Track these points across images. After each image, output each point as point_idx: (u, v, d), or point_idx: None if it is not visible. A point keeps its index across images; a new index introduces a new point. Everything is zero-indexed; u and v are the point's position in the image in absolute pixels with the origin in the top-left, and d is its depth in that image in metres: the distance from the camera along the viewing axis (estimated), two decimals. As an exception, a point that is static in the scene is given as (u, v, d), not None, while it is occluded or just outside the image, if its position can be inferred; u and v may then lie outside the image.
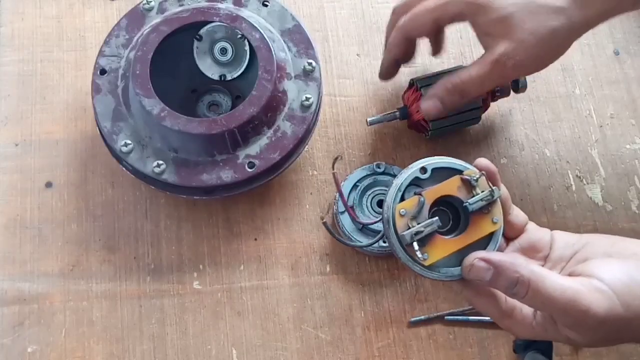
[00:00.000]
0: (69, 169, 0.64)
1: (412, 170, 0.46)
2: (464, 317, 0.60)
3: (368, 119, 0.64)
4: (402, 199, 0.45)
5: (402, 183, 0.46)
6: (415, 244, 0.44)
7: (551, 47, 0.54)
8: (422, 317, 0.60)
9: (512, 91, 0.65)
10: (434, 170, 0.46)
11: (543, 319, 0.44)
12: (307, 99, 0.60)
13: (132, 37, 0.62)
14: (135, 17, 0.63)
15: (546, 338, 0.45)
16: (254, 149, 0.58)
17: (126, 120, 0.59)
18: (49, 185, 0.64)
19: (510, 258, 0.43)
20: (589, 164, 0.67)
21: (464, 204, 0.45)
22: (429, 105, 0.58)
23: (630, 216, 0.65)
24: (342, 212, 0.61)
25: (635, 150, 0.68)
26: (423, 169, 0.46)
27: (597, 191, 0.66)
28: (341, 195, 0.56)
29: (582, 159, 0.67)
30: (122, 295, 0.60)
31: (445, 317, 0.60)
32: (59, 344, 0.59)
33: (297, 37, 0.62)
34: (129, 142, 0.58)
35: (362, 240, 0.60)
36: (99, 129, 0.60)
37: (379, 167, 0.62)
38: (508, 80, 0.63)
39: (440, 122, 0.62)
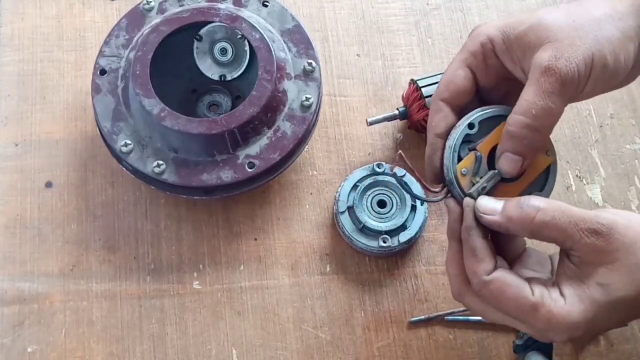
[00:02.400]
0: (69, 169, 0.64)
1: (461, 128, 0.47)
2: (464, 317, 0.60)
3: (368, 119, 0.64)
4: (459, 158, 0.47)
5: (454, 144, 0.47)
6: None
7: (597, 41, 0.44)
8: (422, 317, 0.60)
9: None
10: (480, 123, 0.47)
11: (575, 296, 0.42)
12: (307, 99, 0.60)
13: (132, 38, 0.62)
14: (135, 17, 0.63)
15: (586, 322, 0.42)
16: (254, 149, 0.58)
17: (126, 120, 0.59)
18: (49, 185, 0.64)
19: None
20: (589, 164, 0.67)
21: None
22: (508, 166, 0.46)
23: (630, 216, 0.65)
24: (342, 212, 0.61)
25: (635, 150, 0.68)
26: (470, 125, 0.47)
27: (597, 191, 0.66)
28: (413, 174, 0.52)
29: (582, 159, 0.67)
30: (122, 295, 0.60)
31: (445, 317, 0.60)
32: (59, 344, 0.59)
33: (297, 37, 0.62)
34: (129, 142, 0.58)
35: (362, 239, 0.60)
36: (99, 129, 0.60)
37: (379, 167, 0.62)
38: (574, 95, 0.45)
39: None
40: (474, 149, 0.47)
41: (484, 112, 0.48)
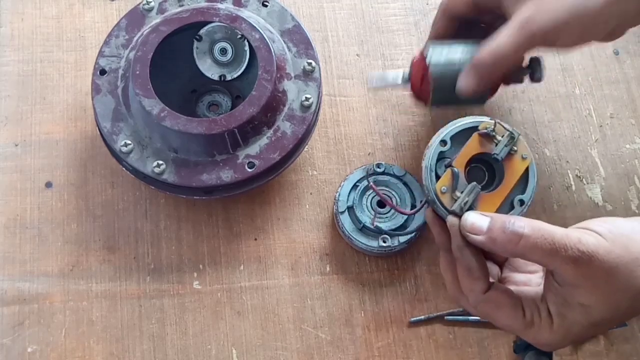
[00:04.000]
0: (69, 169, 0.64)
1: (434, 147, 0.48)
2: (464, 317, 0.60)
3: (369, 79, 0.61)
4: (437, 177, 0.47)
5: (430, 163, 0.48)
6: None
7: (581, 20, 0.51)
8: (422, 317, 0.60)
9: (529, 79, 0.59)
10: (452, 138, 0.48)
11: (559, 316, 0.45)
12: (307, 99, 0.60)
13: (132, 38, 0.62)
14: (135, 17, 0.63)
15: (568, 338, 0.45)
16: (253, 149, 0.58)
17: (126, 121, 0.59)
18: (48, 185, 0.64)
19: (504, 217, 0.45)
20: (589, 164, 0.67)
21: (493, 156, 0.47)
22: (463, 82, 0.55)
23: (630, 216, 0.65)
24: (342, 212, 0.61)
25: (635, 150, 0.68)
26: (443, 142, 0.48)
27: (597, 191, 0.66)
28: (379, 194, 0.57)
29: (582, 159, 0.67)
30: (122, 295, 0.60)
31: (445, 317, 0.60)
32: (59, 344, 0.59)
33: (297, 37, 0.63)
34: (128, 142, 0.58)
35: (362, 239, 0.60)
36: (99, 129, 0.60)
37: (379, 167, 0.62)
38: (540, 48, 0.55)
39: (444, 95, 0.57)
40: (450, 165, 0.47)
41: (454, 127, 0.48)
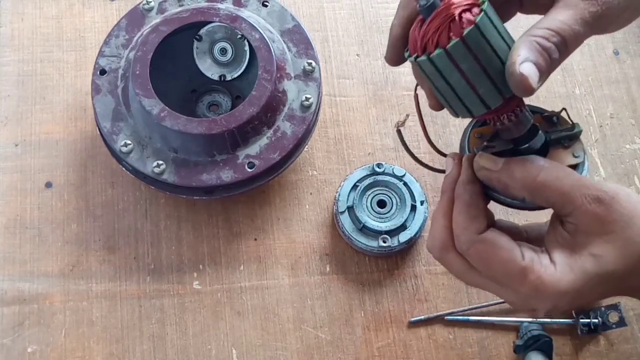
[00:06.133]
0: (68, 169, 0.64)
1: None
2: (464, 317, 0.60)
3: None
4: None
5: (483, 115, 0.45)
6: None
7: None
8: (422, 317, 0.60)
9: None
10: None
11: (565, 265, 0.41)
12: (307, 99, 0.60)
13: (131, 38, 0.62)
14: (135, 17, 0.63)
15: (573, 293, 0.41)
16: (253, 149, 0.58)
17: (126, 121, 0.59)
18: (48, 185, 0.64)
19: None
20: (589, 164, 0.67)
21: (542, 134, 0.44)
22: (529, 70, 0.38)
23: (630, 216, 0.65)
24: (342, 212, 0.61)
25: (635, 150, 0.68)
26: None
27: (597, 191, 0.66)
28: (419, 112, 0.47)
29: (582, 159, 0.67)
30: (122, 295, 0.60)
31: (445, 317, 0.60)
32: (59, 344, 0.59)
33: (297, 37, 0.63)
34: (128, 142, 0.58)
35: (362, 239, 0.60)
36: (98, 129, 0.60)
37: (379, 167, 0.62)
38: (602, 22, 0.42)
39: None
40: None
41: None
